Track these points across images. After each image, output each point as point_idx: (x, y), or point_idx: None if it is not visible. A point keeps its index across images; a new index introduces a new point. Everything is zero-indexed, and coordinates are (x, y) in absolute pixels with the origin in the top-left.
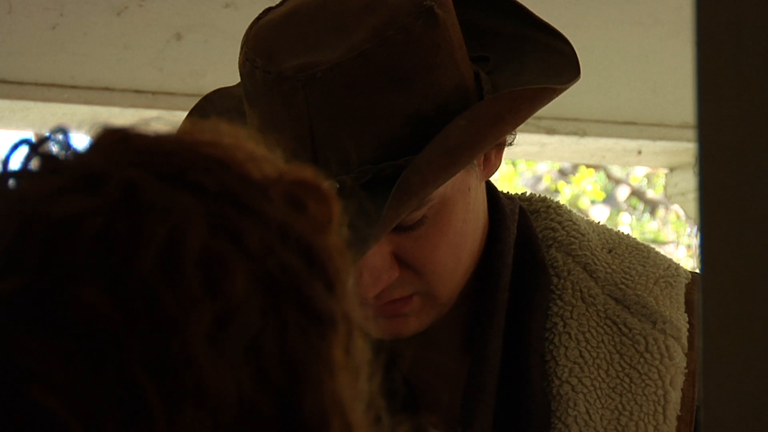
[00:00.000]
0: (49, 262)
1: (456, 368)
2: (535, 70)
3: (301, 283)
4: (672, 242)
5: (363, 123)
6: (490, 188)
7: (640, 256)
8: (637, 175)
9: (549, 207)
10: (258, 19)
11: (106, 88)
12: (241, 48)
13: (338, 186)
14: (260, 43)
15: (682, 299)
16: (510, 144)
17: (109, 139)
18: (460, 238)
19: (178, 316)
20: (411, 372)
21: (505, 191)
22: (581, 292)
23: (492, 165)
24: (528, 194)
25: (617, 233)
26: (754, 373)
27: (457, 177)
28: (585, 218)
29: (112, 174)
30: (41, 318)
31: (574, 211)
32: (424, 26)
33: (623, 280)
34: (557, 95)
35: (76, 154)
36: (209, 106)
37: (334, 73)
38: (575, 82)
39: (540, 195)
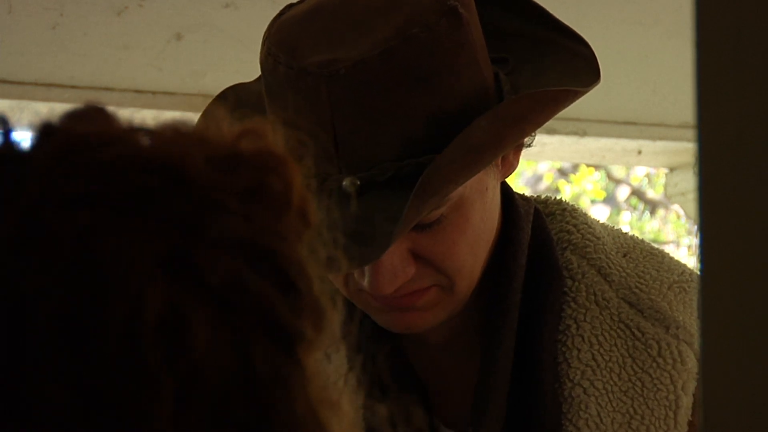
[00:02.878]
0: (7, 358)
1: (468, 368)
2: (554, 72)
3: (266, 309)
4: (672, 242)
5: (385, 120)
6: (506, 189)
7: (654, 261)
8: (638, 175)
9: (564, 210)
10: (280, 14)
11: (106, 88)
12: (263, 43)
13: (358, 183)
14: (283, 39)
15: (695, 305)
16: (529, 145)
17: (49, 157)
18: (477, 236)
19: (140, 403)
20: (424, 371)
21: (520, 192)
22: (595, 295)
23: (510, 165)
24: (543, 197)
25: (632, 237)
26: (754, 373)
27: (475, 176)
28: (600, 222)
29: (60, 223)
30: (3, 423)
31: (590, 215)
32: (448, 25)
33: (637, 285)
34: (578, 98)
35: (14, 184)
36: (226, 102)
37: (358, 70)
38: (596, 85)
39: (556, 198)
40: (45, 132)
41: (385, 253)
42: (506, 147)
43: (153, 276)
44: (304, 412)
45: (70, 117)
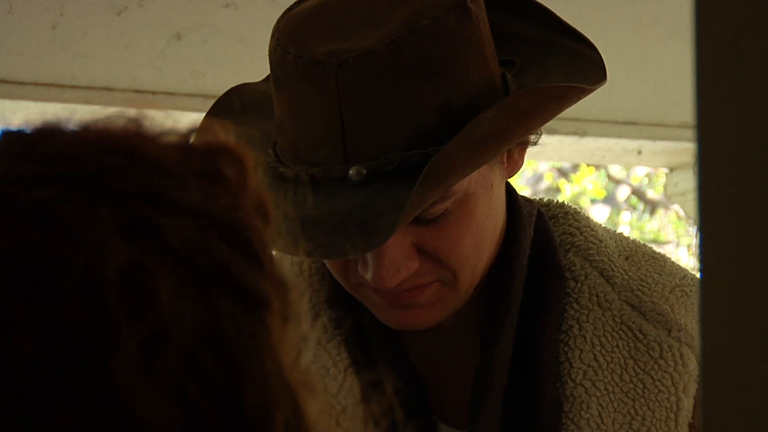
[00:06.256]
0: None
1: (467, 365)
2: (560, 73)
3: (229, 271)
4: (672, 242)
5: (392, 111)
6: (509, 190)
7: (656, 265)
8: (638, 174)
9: (567, 213)
10: (289, 9)
11: (106, 88)
12: (272, 36)
13: (365, 172)
14: (292, 31)
15: (697, 308)
16: (534, 143)
17: (10, 150)
18: (481, 232)
19: (104, 353)
20: (424, 370)
21: (523, 195)
22: (598, 296)
23: (515, 163)
24: (546, 200)
25: (634, 241)
26: (754, 373)
27: (480, 172)
28: (602, 225)
29: (22, 198)
30: None
31: (592, 218)
32: (456, 19)
33: (639, 287)
34: (585, 95)
35: None
36: (231, 101)
37: (366, 60)
38: (603, 84)
39: (558, 201)
40: (9, 132)
41: (389, 247)
42: (512, 140)
43: (113, 236)
44: (274, 375)
45: (26, 122)
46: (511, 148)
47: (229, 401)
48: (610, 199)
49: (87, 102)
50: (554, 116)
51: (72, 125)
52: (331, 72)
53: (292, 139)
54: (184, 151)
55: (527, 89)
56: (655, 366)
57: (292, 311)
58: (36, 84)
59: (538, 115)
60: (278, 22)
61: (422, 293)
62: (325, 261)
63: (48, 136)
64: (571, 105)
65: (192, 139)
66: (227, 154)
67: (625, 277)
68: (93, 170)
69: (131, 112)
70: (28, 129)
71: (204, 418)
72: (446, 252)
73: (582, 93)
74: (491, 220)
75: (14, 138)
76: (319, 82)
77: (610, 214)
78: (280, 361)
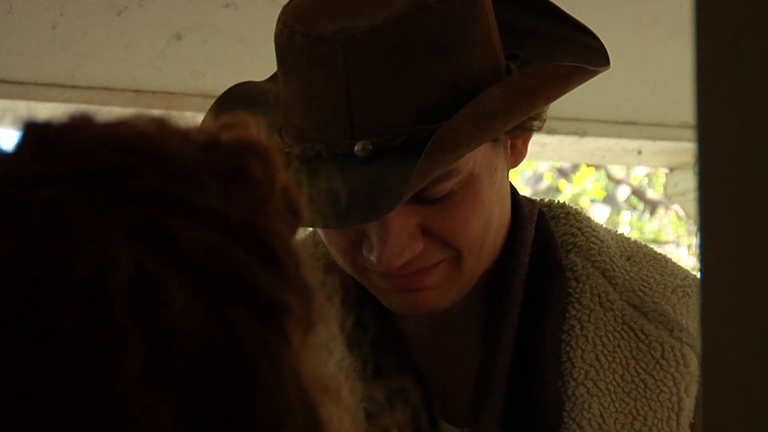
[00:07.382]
0: None
1: (469, 363)
2: (565, 60)
3: (243, 277)
4: (672, 242)
5: (400, 87)
6: (511, 188)
7: (658, 265)
8: (638, 174)
9: (568, 213)
10: None
11: (106, 88)
12: (278, 20)
13: (371, 147)
14: (300, 12)
15: None
16: (539, 129)
17: (24, 146)
18: (489, 214)
19: (107, 365)
20: (426, 368)
21: (524, 195)
22: (599, 296)
23: (518, 152)
24: (547, 200)
25: (635, 242)
26: (754, 373)
27: (485, 154)
28: (603, 226)
29: (23, 198)
30: None
31: (593, 218)
32: (463, 0)
33: (641, 288)
34: (589, 78)
35: None
36: (234, 97)
37: (374, 35)
38: (607, 69)
39: (559, 201)
40: (23, 128)
41: (394, 227)
42: (518, 116)
43: (122, 241)
44: (292, 387)
45: (52, 117)
46: (515, 135)
47: (237, 410)
48: (610, 199)
49: (87, 102)
50: (559, 96)
51: (95, 121)
52: (338, 49)
53: (299, 121)
54: (207, 150)
55: (533, 68)
56: (657, 366)
57: (318, 317)
58: (36, 84)
59: (543, 94)
60: (284, 8)
61: (429, 275)
62: (330, 246)
63: (65, 131)
64: (575, 86)
65: (222, 137)
66: (255, 153)
67: (627, 277)
68: (98, 169)
69: (160, 111)
70: (50, 123)
71: (207, 427)
72: (453, 233)
73: (587, 74)
74: (496, 204)
75: (32, 133)
76: (327, 60)
77: (610, 214)
78: (299, 369)
